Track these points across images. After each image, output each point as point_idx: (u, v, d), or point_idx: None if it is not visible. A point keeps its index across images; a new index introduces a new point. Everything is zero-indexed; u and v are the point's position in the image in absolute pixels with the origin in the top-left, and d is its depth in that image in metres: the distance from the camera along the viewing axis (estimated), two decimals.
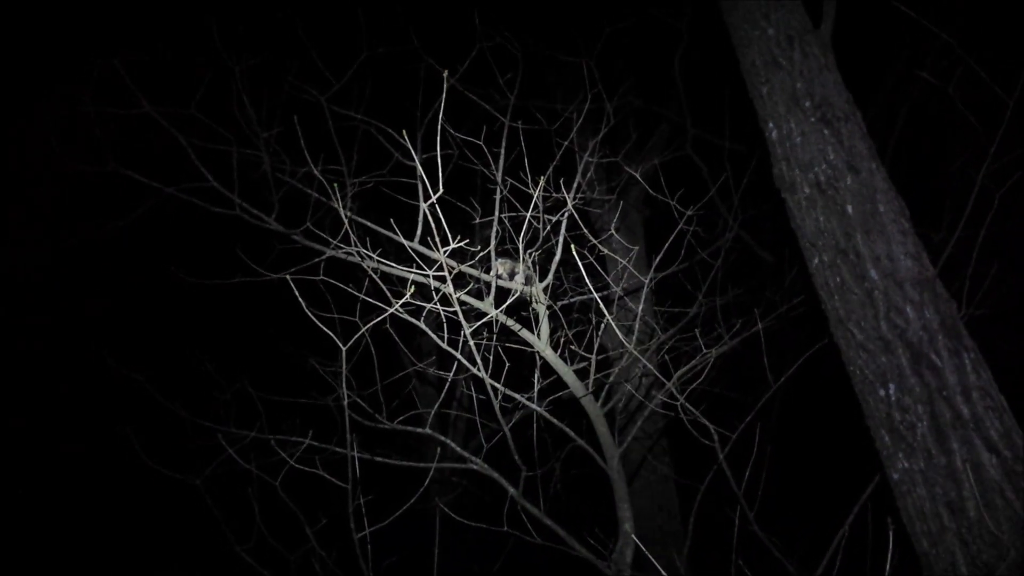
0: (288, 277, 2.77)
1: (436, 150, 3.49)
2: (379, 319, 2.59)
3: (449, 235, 3.49)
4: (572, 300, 4.54)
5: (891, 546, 1.85)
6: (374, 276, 3.65)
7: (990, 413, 2.60)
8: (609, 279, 4.66)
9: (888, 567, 1.82)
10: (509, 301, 3.62)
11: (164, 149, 4.18)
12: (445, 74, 3.58)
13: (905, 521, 2.70)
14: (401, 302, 2.66)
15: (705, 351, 3.45)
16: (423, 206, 3.46)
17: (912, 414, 2.69)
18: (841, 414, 3.69)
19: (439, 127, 3.49)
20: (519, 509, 3.40)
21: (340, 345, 2.53)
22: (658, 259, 4.62)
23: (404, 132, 3.70)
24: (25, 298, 5.68)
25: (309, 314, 2.67)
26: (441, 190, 3.48)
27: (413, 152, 3.67)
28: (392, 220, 3.89)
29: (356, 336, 2.55)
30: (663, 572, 1.96)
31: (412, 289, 3.03)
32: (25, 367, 5.69)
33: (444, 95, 3.49)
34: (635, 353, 2.63)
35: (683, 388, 3.26)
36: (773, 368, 3.51)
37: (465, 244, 3.44)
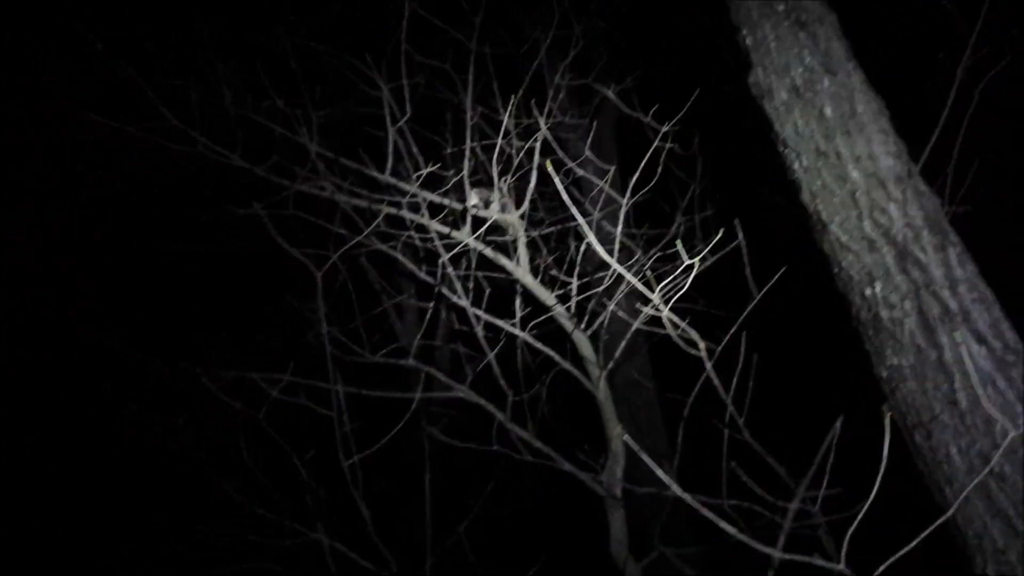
0: (258, 207, 2.68)
1: (402, 76, 3.38)
2: (352, 243, 2.52)
3: (421, 162, 3.40)
4: (550, 227, 4.47)
5: (887, 434, 1.82)
6: (346, 208, 3.56)
7: (977, 305, 2.58)
8: (585, 202, 4.59)
9: (885, 453, 1.80)
10: (484, 228, 3.55)
11: (118, 89, 4.01)
12: None
13: (896, 417, 2.69)
14: (372, 227, 2.58)
15: (688, 262, 3.40)
16: (391, 131, 3.36)
17: (899, 310, 2.67)
18: (827, 319, 3.67)
19: (402, 50, 3.36)
20: (509, 434, 3.38)
21: (315, 272, 2.46)
22: (634, 179, 4.53)
23: (368, 57, 3.57)
24: None
25: (281, 243, 2.59)
26: (409, 112, 3.36)
27: (377, 79, 3.54)
28: (360, 150, 3.78)
29: (330, 262, 2.47)
30: (657, 467, 1.93)
31: (383, 216, 2.94)
32: None
33: (406, 17, 3.37)
34: (618, 268, 2.57)
35: (666, 302, 3.22)
36: (757, 279, 3.47)
37: (437, 169, 3.35)
